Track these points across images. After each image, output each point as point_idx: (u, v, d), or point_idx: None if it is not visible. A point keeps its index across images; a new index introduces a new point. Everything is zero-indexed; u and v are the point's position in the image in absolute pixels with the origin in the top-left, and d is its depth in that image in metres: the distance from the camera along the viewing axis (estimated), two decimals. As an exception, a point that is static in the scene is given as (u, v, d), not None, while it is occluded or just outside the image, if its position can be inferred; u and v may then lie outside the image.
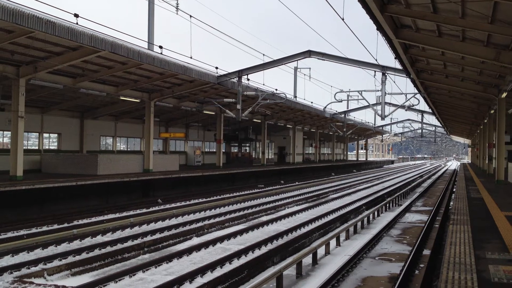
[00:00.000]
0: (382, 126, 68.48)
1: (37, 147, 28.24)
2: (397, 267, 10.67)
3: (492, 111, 28.46)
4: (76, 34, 16.06)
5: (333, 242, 13.49)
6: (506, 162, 26.70)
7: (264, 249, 12.61)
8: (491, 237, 9.12)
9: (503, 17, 12.82)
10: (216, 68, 25.35)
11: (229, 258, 11.36)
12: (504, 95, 21.38)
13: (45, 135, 28.87)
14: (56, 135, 29.60)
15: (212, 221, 17.05)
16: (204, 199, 23.81)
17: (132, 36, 19.49)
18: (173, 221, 17.03)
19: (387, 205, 22.16)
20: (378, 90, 27.86)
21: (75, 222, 16.40)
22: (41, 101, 26.72)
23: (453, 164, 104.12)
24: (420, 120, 59.57)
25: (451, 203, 18.39)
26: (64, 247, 12.64)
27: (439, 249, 12.59)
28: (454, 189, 24.32)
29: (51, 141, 29.54)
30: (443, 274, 6.42)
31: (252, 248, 12.57)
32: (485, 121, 34.44)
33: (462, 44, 16.02)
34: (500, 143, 23.02)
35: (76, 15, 16.09)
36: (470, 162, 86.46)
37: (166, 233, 14.54)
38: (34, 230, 14.76)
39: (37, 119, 27.54)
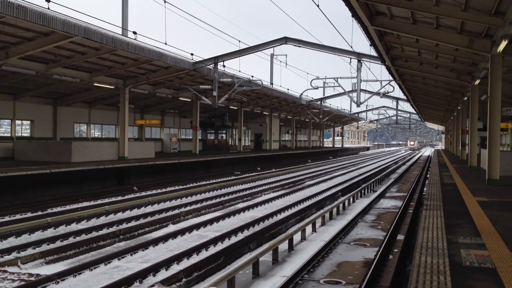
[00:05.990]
0: (357, 113, 69.04)
1: (9, 134, 27.72)
2: (372, 252, 10.81)
3: (465, 98, 28.88)
4: (48, 19, 15.73)
5: (309, 228, 13.58)
6: (479, 148, 27.20)
7: (240, 236, 12.65)
8: (463, 222, 9.29)
9: (476, 4, 12.97)
10: (192, 54, 25.13)
11: (205, 245, 11.35)
12: (477, 82, 21.72)
13: (18, 122, 28.31)
14: (28, 122, 29.07)
15: (188, 208, 17.01)
16: (181, 186, 23.72)
17: (105, 22, 19.11)
18: (149, 209, 16.94)
19: (362, 191, 22.39)
20: (353, 77, 27.99)
21: (49, 210, 16.19)
22: (13, 88, 26.18)
23: (422, 152, 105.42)
24: (395, 107, 60.16)
25: (425, 189, 18.66)
26: (38, 235, 12.49)
27: (413, 234, 12.79)
28: (428, 175, 24.66)
29: (23, 128, 29.02)
30: (415, 258, 6.52)
31: (228, 235, 12.59)
32: (459, 107, 34.98)
33: (436, 32, 16.19)
34: (473, 129, 23.39)
35: (48, 0, 15.75)
36: (444, 148, 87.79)
37: (142, 221, 14.46)
38: (7, 219, 14.53)
39: (9, 106, 27.02)
